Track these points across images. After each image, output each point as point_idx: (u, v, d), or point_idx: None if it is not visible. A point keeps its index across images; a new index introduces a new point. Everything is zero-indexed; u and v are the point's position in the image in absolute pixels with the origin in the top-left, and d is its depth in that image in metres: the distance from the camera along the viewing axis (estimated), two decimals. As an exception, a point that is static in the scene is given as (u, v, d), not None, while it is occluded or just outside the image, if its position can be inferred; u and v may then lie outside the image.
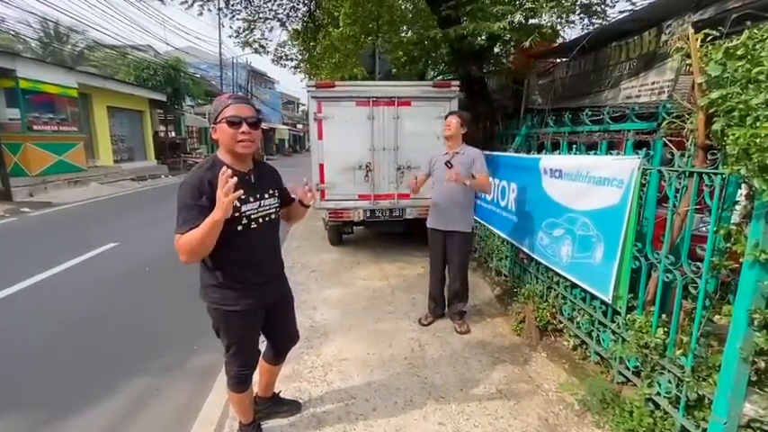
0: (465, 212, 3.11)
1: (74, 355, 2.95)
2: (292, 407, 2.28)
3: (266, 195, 1.72)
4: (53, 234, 6.48)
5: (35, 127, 10.48)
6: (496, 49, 6.75)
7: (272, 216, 1.76)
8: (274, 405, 2.24)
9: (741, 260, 1.58)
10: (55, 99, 11.12)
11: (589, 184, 2.57)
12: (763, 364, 1.55)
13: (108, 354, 2.98)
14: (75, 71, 12.44)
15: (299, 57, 9.82)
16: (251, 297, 1.71)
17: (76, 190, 10.83)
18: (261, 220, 1.69)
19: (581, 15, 5.74)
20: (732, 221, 1.79)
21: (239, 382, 1.85)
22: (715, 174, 1.77)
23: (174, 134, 20.74)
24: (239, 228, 1.61)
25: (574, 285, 2.81)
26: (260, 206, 1.68)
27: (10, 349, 3.02)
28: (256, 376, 2.00)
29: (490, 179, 3.14)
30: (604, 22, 5.49)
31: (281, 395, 2.31)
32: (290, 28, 8.60)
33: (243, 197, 1.55)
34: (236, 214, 1.56)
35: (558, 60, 5.33)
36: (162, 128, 19.72)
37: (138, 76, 16.63)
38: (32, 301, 3.88)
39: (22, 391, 2.57)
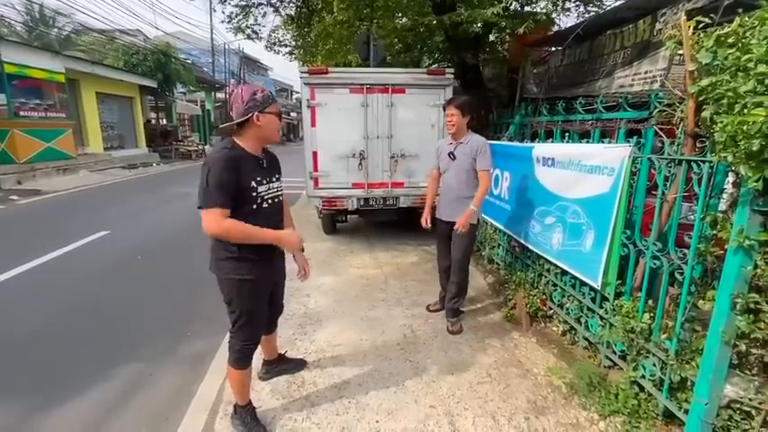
0: (468, 204, 2.89)
1: (65, 343, 2.95)
2: (299, 364, 2.56)
3: (273, 179, 1.90)
4: (43, 222, 6.40)
5: (22, 113, 10.24)
6: (491, 37, 6.69)
7: (279, 198, 1.94)
8: (282, 363, 2.49)
9: (726, 247, 1.61)
10: (42, 84, 10.84)
11: (581, 173, 2.59)
12: (743, 348, 1.60)
13: (100, 341, 2.97)
14: (62, 56, 12.11)
15: (293, 43, 9.66)
16: (262, 269, 1.88)
17: (66, 178, 10.66)
18: (270, 200, 1.86)
19: (576, 3, 5.71)
20: (719, 209, 1.83)
21: (243, 357, 1.93)
22: (703, 161, 1.79)
23: (165, 121, 20.42)
24: (254, 206, 1.77)
25: (564, 272, 2.85)
26: (269, 188, 1.85)
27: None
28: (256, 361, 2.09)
29: (490, 171, 2.93)
30: (600, 10, 5.46)
31: (287, 354, 2.57)
32: (283, 13, 8.44)
33: (258, 179, 1.77)
34: (253, 194, 1.75)
35: (553, 49, 5.31)
36: (153, 115, 19.40)
37: (128, 62, 16.25)
38: (22, 289, 3.85)
39: (12, 378, 2.57)
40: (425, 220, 3.14)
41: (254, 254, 1.81)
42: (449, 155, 2.97)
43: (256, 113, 1.70)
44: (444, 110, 2.96)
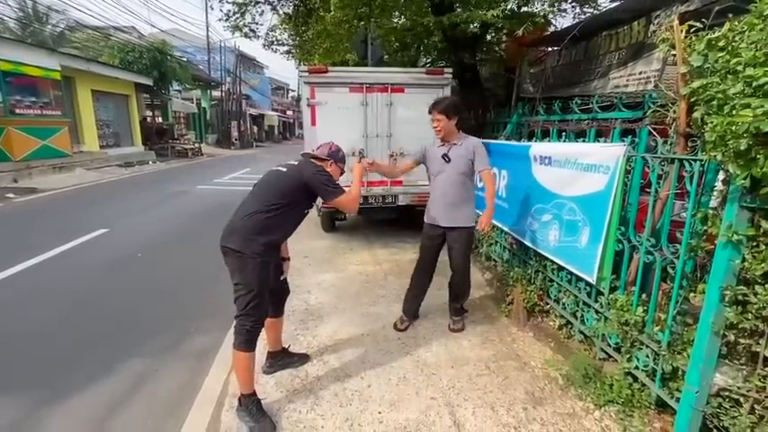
0: (466, 207, 2.88)
1: (68, 340, 2.97)
2: (302, 358, 2.64)
3: None
4: (41, 220, 6.39)
5: (17, 111, 10.18)
6: (488, 37, 6.76)
7: None
8: (286, 357, 2.57)
9: (716, 242, 1.69)
10: (37, 82, 10.77)
11: (577, 171, 2.65)
12: (732, 338, 1.67)
13: (104, 338, 3.00)
14: (57, 53, 12.02)
15: (291, 42, 9.67)
16: (278, 253, 2.21)
17: (62, 176, 10.62)
18: None
19: (573, 4, 5.78)
20: (710, 206, 1.90)
21: (251, 338, 2.06)
22: (694, 160, 1.86)
23: (160, 120, 20.32)
24: (306, 211, 2.27)
25: (560, 268, 2.93)
26: None
27: (1, 335, 3.02)
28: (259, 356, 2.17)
29: (491, 169, 2.88)
30: (595, 11, 5.54)
31: (290, 349, 2.65)
32: (280, 12, 8.45)
33: None
34: (312, 201, 2.24)
35: (550, 49, 5.38)
36: (149, 113, 19.29)
37: (123, 59, 16.15)
38: (23, 286, 3.87)
39: (17, 374, 2.59)
40: (369, 164, 2.76)
41: (281, 241, 2.19)
42: (443, 157, 2.86)
43: (332, 161, 2.34)
44: (429, 114, 2.84)
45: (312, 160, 2.29)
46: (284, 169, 2.19)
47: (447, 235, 2.94)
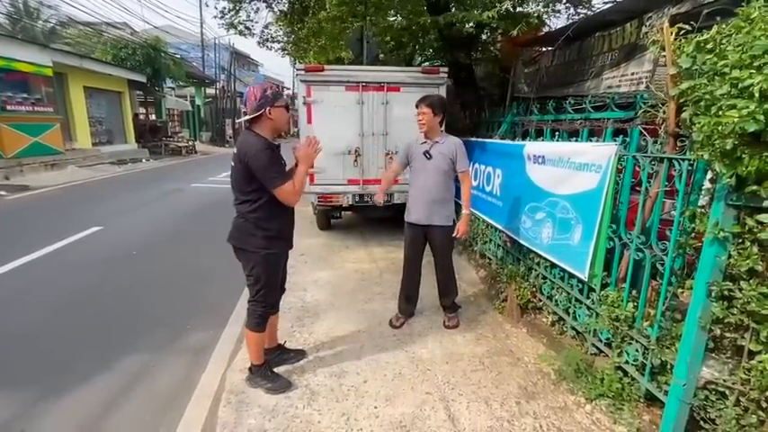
0: (446, 205, 2.92)
1: (62, 338, 2.96)
2: (298, 354, 2.64)
3: (284, 162, 2.15)
4: (33, 218, 6.34)
5: (8, 107, 10.05)
6: (484, 37, 6.80)
7: None
8: (282, 353, 2.59)
9: (704, 239, 1.73)
10: (29, 78, 10.63)
11: (570, 170, 2.70)
12: (718, 332, 1.72)
13: (99, 335, 3.00)
14: (49, 49, 11.87)
15: (286, 39, 9.64)
16: (284, 243, 2.23)
17: (54, 173, 10.51)
18: None
19: (566, 5, 5.84)
20: (699, 204, 1.95)
21: (262, 321, 2.22)
22: (683, 159, 1.91)
23: (154, 117, 20.14)
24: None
25: (553, 266, 2.97)
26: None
27: (-2, 331, 3.00)
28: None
29: (470, 170, 2.93)
30: (589, 13, 5.60)
31: (286, 345, 2.68)
32: (276, 9, 8.42)
33: (283, 161, 2.12)
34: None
35: (544, 49, 5.43)
36: (142, 110, 19.12)
37: (116, 56, 15.99)
38: (16, 284, 3.84)
39: (11, 373, 2.57)
40: (381, 196, 3.05)
41: (280, 231, 2.15)
42: (424, 154, 2.86)
43: (268, 108, 1.97)
44: (417, 107, 2.84)
45: (250, 130, 2.01)
46: (232, 162, 2.02)
47: (428, 234, 2.98)
